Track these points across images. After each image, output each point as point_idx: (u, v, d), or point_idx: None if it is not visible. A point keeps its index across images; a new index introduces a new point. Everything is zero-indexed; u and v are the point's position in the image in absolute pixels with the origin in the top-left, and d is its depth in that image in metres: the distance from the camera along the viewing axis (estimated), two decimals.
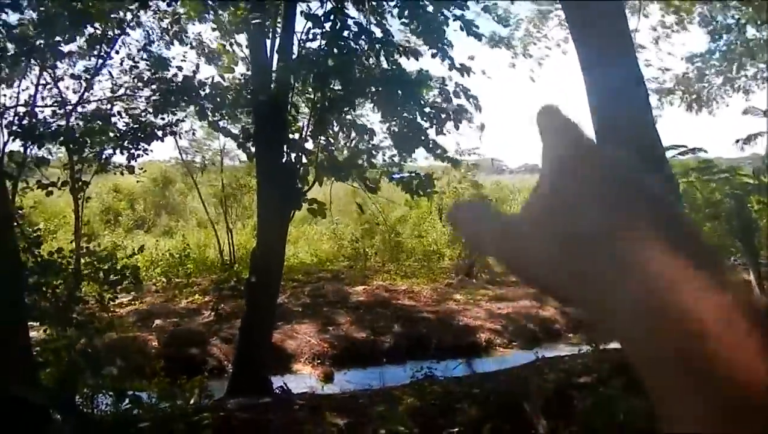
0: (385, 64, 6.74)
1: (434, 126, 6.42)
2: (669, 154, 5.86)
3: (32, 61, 5.15)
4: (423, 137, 6.59)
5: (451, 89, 6.92)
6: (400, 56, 6.84)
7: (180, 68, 5.75)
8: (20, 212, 5.77)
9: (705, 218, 8.52)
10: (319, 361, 8.20)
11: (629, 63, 5.80)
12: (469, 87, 6.91)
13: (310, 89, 6.89)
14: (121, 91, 5.89)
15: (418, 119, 6.44)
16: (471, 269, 12.28)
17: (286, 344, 8.39)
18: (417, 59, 7.04)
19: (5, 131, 4.81)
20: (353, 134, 7.05)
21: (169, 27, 7.22)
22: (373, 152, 7.19)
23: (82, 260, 4.83)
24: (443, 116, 6.62)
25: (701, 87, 12.67)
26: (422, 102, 6.59)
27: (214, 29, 7.11)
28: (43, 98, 5.27)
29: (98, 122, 5.25)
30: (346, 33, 6.54)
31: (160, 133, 5.65)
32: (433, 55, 6.58)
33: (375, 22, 6.82)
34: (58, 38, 4.89)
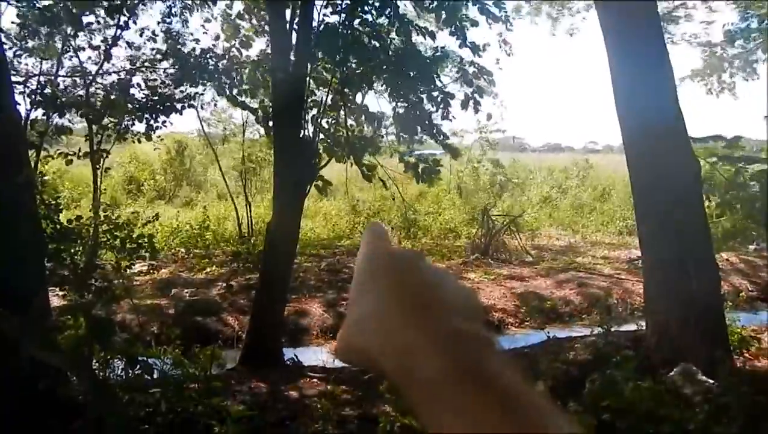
0: (401, 42, 6.72)
1: (440, 110, 6.41)
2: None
3: (54, 31, 5.22)
4: (427, 121, 6.58)
5: (470, 70, 6.90)
6: (418, 35, 6.81)
7: (197, 40, 5.77)
8: (44, 179, 5.90)
9: (726, 202, 8.37)
10: (331, 335, 8.30)
11: (656, 45, 5.70)
12: (487, 65, 6.93)
13: (329, 65, 6.88)
14: (138, 63, 5.93)
15: (425, 103, 6.43)
16: (487, 248, 12.27)
17: (300, 317, 8.50)
18: (434, 39, 7.02)
19: (27, 99, 4.91)
20: (363, 118, 7.08)
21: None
22: (379, 139, 7.21)
23: (101, 229, 4.93)
24: (451, 101, 6.60)
25: (723, 69, 12.46)
26: (433, 85, 6.58)
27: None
28: (64, 68, 5.35)
29: (117, 93, 5.32)
30: (365, 7, 6.53)
31: (178, 106, 5.69)
32: (451, 34, 6.53)
33: None
34: (78, 8, 4.94)
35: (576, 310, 9.31)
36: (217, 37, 6.16)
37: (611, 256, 12.40)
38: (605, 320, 6.96)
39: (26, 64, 5.38)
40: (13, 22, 5.03)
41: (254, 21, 7.87)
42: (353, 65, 6.67)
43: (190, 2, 7.18)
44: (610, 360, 5.55)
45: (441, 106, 6.55)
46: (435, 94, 6.55)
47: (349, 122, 7.06)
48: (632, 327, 6.86)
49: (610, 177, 18.18)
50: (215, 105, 11.45)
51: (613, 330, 6.55)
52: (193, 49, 5.79)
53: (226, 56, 6.18)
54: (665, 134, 5.54)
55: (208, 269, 10.54)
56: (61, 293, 4.76)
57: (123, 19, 5.23)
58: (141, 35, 5.73)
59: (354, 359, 0.46)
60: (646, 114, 5.58)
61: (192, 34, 6.43)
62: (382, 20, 6.67)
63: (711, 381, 4.89)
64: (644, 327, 6.05)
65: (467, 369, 0.36)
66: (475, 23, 6.65)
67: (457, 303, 0.43)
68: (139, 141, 6.43)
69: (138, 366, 3.48)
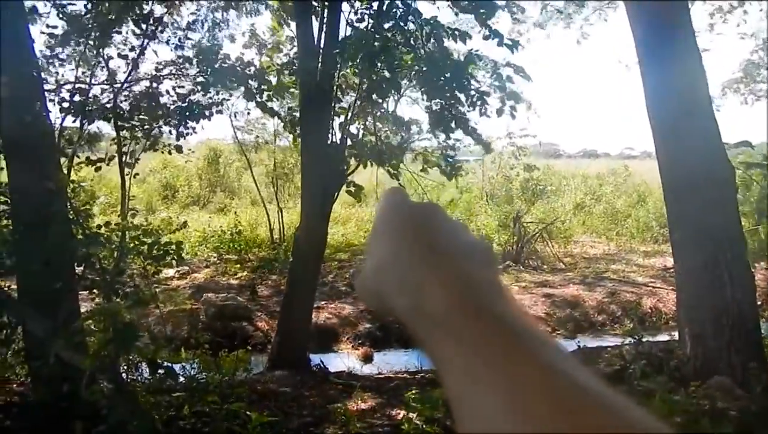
0: (432, 46, 6.68)
1: (477, 108, 6.35)
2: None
3: (83, 40, 5.35)
4: (461, 119, 6.55)
5: (503, 74, 6.84)
6: (449, 38, 6.77)
7: (220, 46, 5.82)
8: (81, 185, 6.05)
9: (760, 212, 8.10)
10: (359, 341, 8.30)
11: (687, 45, 5.54)
12: (523, 66, 6.90)
13: (357, 70, 6.90)
14: (167, 70, 6.04)
15: (462, 100, 6.39)
16: (518, 256, 12.12)
17: (328, 322, 8.52)
18: (465, 42, 6.94)
19: (57, 107, 5.05)
20: (391, 125, 7.09)
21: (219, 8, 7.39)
22: (408, 144, 7.20)
23: (128, 235, 5.03)
24: (487, 98, 6.54)
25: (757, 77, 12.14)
26: (466, 84, 6.53)
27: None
28: (95, 77, 5.48)
29: (145, 100, 5.43)
30: (394, 13, 6.53)
31: (206, 112, 5.78)
32: (485, 38, 6.47)
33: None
34: (109, 18, 5.08)
35: (608, 319, 9.11)
36: (246, 45, 6.24)
37: (646, 264, 12.11)
38: (637, 329, 6.79)
39: (56, 73, 5.55)
40: (42, 33, 5.20)
41: (283, 27, 7.96)
42: (382, 71, 6.67)
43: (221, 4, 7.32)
44: (641, 372, 5.41)
45: (478, 104, 6.49)
46: (471, 93, 6.52)
47: (378, 125, 7.07)
48: (665, 337, 6.67)
49: (645, 183, 17.78)
50: (248, 113, 11.60)
51: (645, 339, 6.39)
52: (219, 53, 5.87)
53: (255, 62, 6.23)
54: (698, 138, 5.38)
55: (240, 275, 10.66)
56: (90, 297, 4.86)
57: (150, 28, 5.34)
58: (167, 43, 5.86)
59: (372, 301, 0.48)
60: (677, 117, 5.44)
61: (224, 35, 6.51)
62: (410, 26, 6.66)
63: (746, 394, 4.72)
64: (677, 337, 5.88)
65: (475, 305, 0.38)
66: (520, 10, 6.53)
67: (472, 251, 0.45)
68: (170, 153, 6.53)
69: (160, 371, 3.52)
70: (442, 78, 6.49)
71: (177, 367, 4.81)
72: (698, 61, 5.52)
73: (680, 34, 5.52)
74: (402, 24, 6.60)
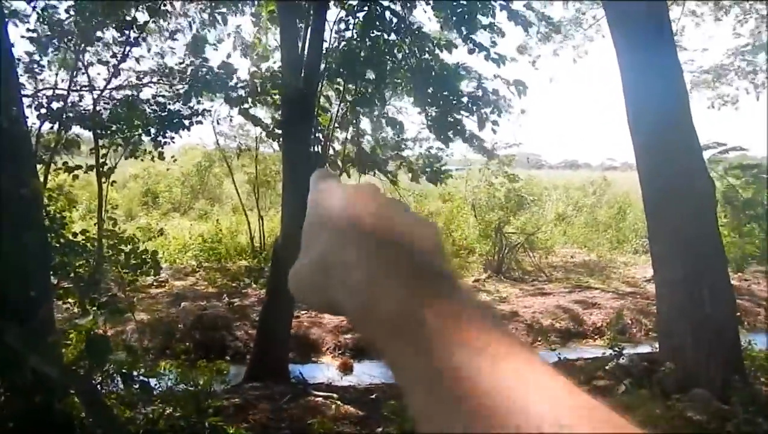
0: (418, 56, 6.69)
1: (474, 116, 6.36)
2: (709, 152, 5.73)
3: (65, 45, 5.28)
4: (459, 127, 6.56)
5: (489, 85, 6.85)
6: (434, 49, 6.78)
7: (206, 58, 5.77)
8: (57, 193, 5.94)
9: (745, 220, 8.21)
10: (340, 351, 8.23)
11: (668, 58, 5.60)
12: (510, 77, 6.92)
13: (341, 80, 6.87)
14: (147, 79, 5.97)
15: (457, 110, 6.40)
16: (500, 266, 12.15)
17: (308, 333, 8.45)
18: (450, 52, 6.95)
19: (35, 113, 4.96)
20: (382, 127, 7.07)
21: (207, 17, 7.35)
22: (402, 145, 7.18)
23: (105, 243, 4.94)
24: (482, 105, 6.54)
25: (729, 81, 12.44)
26: (459, 93, 6.55)
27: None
28: (75, 83, 5.38)
29: (125, 108, 5.35)
30: (379, 23, 6.53)
31: (186, 122, 5.70)
32: (470, 51, 6.47)
33: (407, 14, 6.77)
34: (90, 23, 5.00)
35: (589, 329, 9.15)
36: (228, 56, 6.19)
37: (627, 275, 12.20)
38: (618, 341, 6.82)
39: (35, 79, 5.45)
40: (23, 36, 5.11)
41: (269, 36, 7.95)
42: (367, 82, 6.66)
43: (206, 18, 7.32)
44: (621, 384, 5.42)
45: (474, 110, 6.49)
46: (465, 99, 6.52)
47: (361, 133, 7.05)
48: (646, 349, 6.70)
49: (626, 195, 17.95)
50: (231, 120, 11.53)
51: (626, 351, 6.41)
52: (201, 62, 5.81)
53: (237, 70, 6.18)
54: (678, 151, 5.44)
55: (220, 283, 10.55)
56: (65, 306, 4.76)
57: (133, 35, 5.28)
58: (149, 51, 5.79)
59: (310, 298, 0.44)
60: (658, 130, 5.48)
61: (209, 42, 6.42)
62: (394, 36, 6.66)
63: (725, 407, 4.74)
64: (657, 349, 5.91)
65: (429, 303, 0.35)
66: (500, 32, 6.56)
67: (418, 238, 0.41)
68: (153, 159, 6.45)
69: (135, 384, 3.45)
70: (430, 89, 6.50)
71: (153, 379, 4.73)
72: (679, 75, 5.59)
73: (661, 47, 5.57)
74: (386, 35, 6.60)
